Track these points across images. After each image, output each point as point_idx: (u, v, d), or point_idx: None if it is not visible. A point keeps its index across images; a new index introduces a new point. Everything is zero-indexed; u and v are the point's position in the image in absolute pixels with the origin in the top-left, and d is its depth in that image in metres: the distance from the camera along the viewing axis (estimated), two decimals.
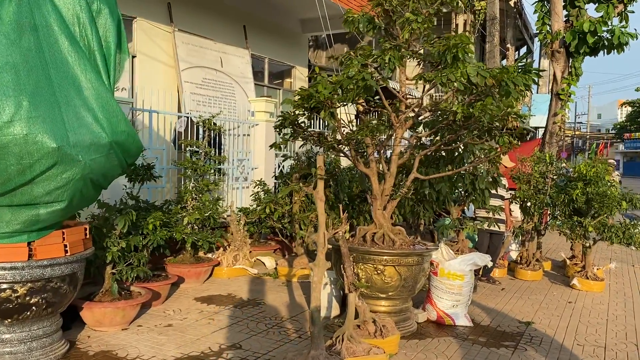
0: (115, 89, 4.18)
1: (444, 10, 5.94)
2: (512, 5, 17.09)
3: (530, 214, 7.84)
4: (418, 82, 4.89)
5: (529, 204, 7.85)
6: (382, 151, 5.31)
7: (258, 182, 7.99)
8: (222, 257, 7.09)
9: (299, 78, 13.13)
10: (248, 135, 9.25)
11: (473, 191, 5.61)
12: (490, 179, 5.63)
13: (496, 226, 6.67)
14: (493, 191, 6.93)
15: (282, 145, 5.35)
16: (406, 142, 5.61)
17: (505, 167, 7.35)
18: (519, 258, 8.08)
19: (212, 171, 7.55)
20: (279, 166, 9.50)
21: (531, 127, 21.42)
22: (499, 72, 4.78)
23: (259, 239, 8.13)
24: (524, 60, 20.52)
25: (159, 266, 6.47)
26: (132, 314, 4.93)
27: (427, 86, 4.97)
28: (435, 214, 7.15)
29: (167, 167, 7.47)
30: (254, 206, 7.84)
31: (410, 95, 5.29)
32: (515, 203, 8.23)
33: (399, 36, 5.04)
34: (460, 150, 5.62)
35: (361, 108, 5.36)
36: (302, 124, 5.22)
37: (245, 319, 5.35)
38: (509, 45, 17.66)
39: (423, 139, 5.69)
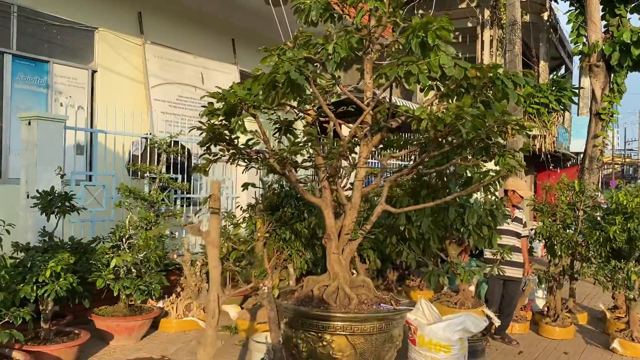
0: None
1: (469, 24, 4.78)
2: (545, 18, 15.54)
3: (556, 255, 6.29)
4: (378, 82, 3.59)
5: (555, 242, 6.30)
6: (339, 176, 4.00)
7: (226, 214, 6.75)
8: (170, 306, 5.83)
9: None
10: None
11: (464, 227, 4.19)
12: (489, 212, 4.19)
13: (500, 271, 5.20)
14: (506, 226, 5.48)
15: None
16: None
17: (521, 197, 5.85)
18: (546, 309, 6.51)
19: (168, 200, 6.37)
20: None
21: (571, 152, 19.59)
22: (491, 66, 3.47)
23: (225, 282, 6.82)
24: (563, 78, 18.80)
25: (83, 320, 5.26)
26: None
27: (396, 87, 3.67)
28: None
29: (116, 196, 6.33)
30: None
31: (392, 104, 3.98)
32: (540, 241, 6.71)
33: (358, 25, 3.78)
34: (449, 173, 4.26)
35: (309, 118, 4.09)
36: (234, 140, 3.97)
37: None
38: (542, 62, 16.01)
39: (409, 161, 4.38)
